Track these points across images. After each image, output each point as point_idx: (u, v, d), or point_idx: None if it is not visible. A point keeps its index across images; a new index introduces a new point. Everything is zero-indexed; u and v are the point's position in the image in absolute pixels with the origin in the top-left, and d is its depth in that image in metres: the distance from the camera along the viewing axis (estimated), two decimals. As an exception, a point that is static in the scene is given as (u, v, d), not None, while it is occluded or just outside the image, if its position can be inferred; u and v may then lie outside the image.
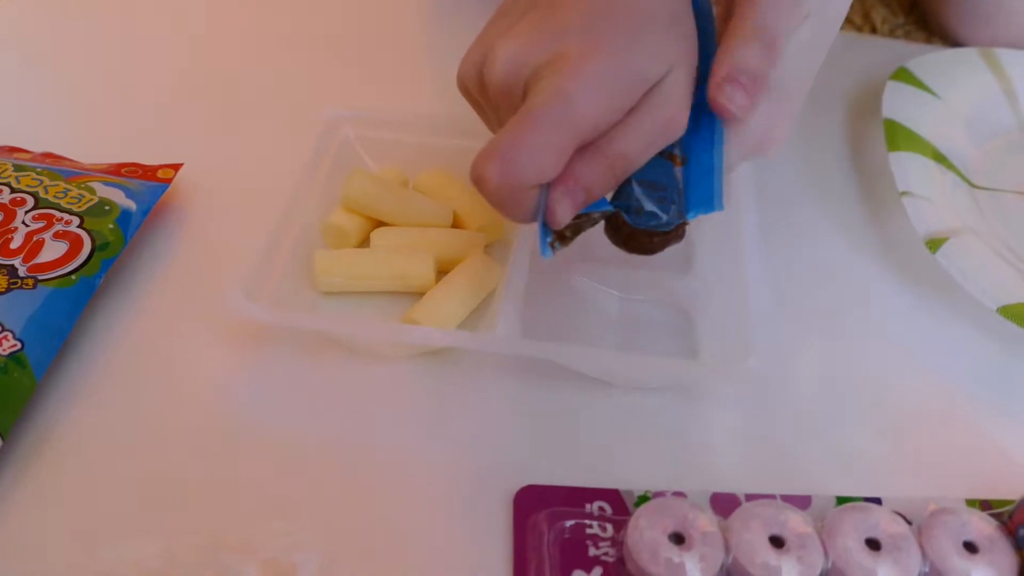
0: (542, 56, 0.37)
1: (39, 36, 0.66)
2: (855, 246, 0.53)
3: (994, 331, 0.48)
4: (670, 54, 0.37)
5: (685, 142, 0.40)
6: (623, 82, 0.37)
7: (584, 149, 0.37)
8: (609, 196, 0.40)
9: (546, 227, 0.39)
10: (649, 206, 0.40)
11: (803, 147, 0.59)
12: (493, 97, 0.39)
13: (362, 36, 0.66)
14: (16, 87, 0.62)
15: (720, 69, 0.38)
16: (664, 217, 0.40)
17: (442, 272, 0.48)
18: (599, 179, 0.38)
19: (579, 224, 0.40)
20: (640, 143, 0.38)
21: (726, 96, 0.38)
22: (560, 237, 0.40)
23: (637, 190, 0.40)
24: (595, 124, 0.37)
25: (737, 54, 0.38)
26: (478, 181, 0.37)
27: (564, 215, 0.38)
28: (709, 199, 0.40)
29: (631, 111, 0.37)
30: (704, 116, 0.40)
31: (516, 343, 0.42)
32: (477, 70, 0.40)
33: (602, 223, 0.42)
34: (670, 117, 0.38)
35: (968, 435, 0.44)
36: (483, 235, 0.49)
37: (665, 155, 0.40)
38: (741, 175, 0.50)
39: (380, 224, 0.50)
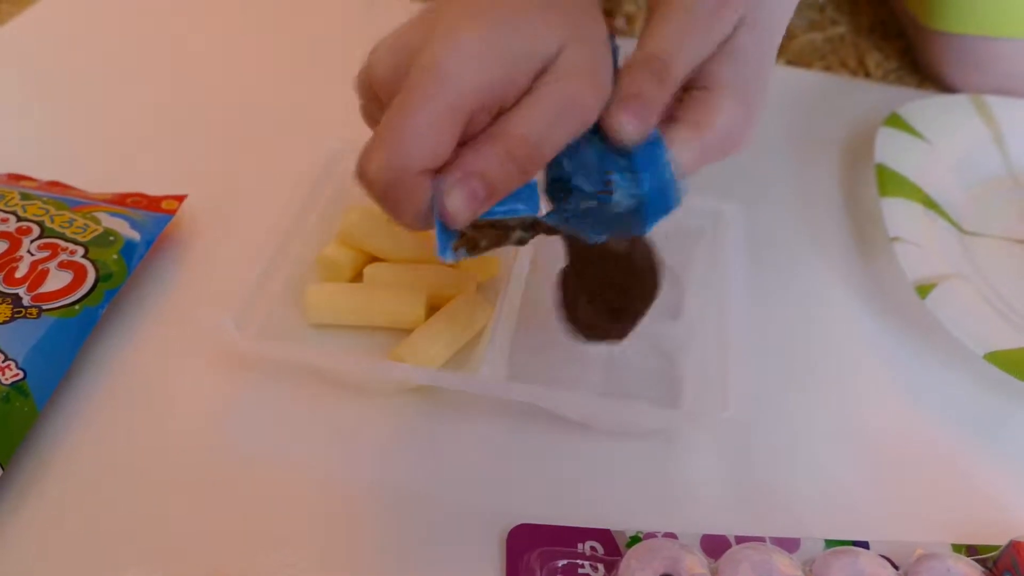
0: (419, 41, 0.35)
1: (46, 64, 0.67)
2: (845, 289, 0.54)
3: (981, 377, 0.49)
4: (559, 30, 0.35)
5: (631, 174, 0.37)
6: (502, 55, 0.34)
7: (476, 136, 0.35)
8: (543, 211, 0.37)
9: (445, 227, 0.35)
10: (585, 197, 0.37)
11: (796, 190, 0.60)
12: (383, 98, 0.37)
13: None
14: (23, 115, 0.62)
15: (611, 100, 0.36)
16: (612, 197, 0.37)
17: (434, 307, 0.49)
18: (496, 166, 0.34)
19: (497, 233, 0.38)
20: (540, 124, 0.35)
21: (616, 124, 0.36)
22: (471, 244, 0.37)
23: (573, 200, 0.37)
24: (478, 97, 0.34)
25: (627, 83, 0.37)
26: (361, 176, 0.35)
27: (456, 208, 0.34)
28: (667, 200, 0.37)
29: (526, 93, 0.35)
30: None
31: (497, 385, 0.43)
32: (364, 74, 0.38)
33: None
34: (571, 95, 0.35)
35: (955, 480, 0.45)
36: (475, 274, 0.50)
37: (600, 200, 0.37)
38: (733, 216, 0.51)
39: (374, 259, 0.51)
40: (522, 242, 0.39)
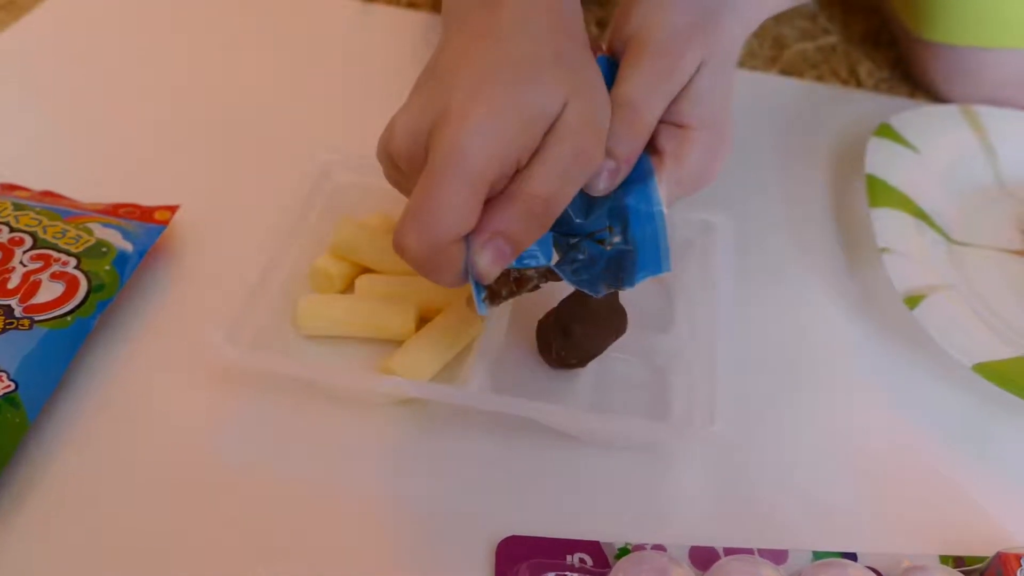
0: (433, 117, 0.37)
1: (39, 74, 0.67)
2: (835, 300, 0.54)
3: (970, 388, 0.49)
4: (561, 88, 0.38)
5: (619, 206, 0.42)
6: (513, 120, 0.36)
7: (497, 197, 0.37)
8: (554, 260, 0.41)
9: (477, 283, 0.38)
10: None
11: (786, 200, 0.60)
12: (405, 170, 0.40)
13: (358, 83, 0.67)
14: (15, 124, 0.63)
15: None
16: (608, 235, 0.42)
17: (425, 319, 0.49)
18: (516, 224, 0.37)
19: (518, 282, 0.41)
20: (553, 180, 0.37)
21: (591, 183, 0.41)
22: (493, 295, 0.40)
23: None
24: (496, 168, 0.36)
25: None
26: (401, 252, 0.37)
27: (486, 267, 0.37)
28: (656, 261, 0.41)
29: (537, 151, 0.38)
30: (635, 171, 0.42)
31: (487, 398, 0.43)
32: (384, 149, 0.40)
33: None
34: (579, 149, 0.38)
35: (943, 492, 0.45)
36: (466, 286, 0.50)
37: (594, 240, 0.42)
38: (723, 227, 0.51)
39: (366, 270, 0.51)
40: (536, 288, 0.42)
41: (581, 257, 0.42)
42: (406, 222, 0.37)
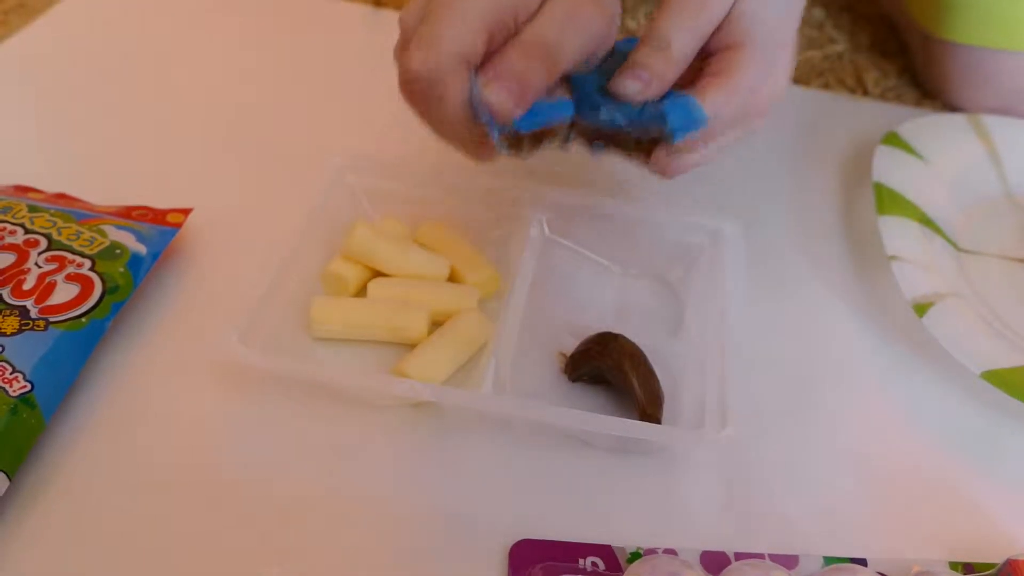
0: None
1: (53, 76, 0.67)
2: (844, 307, 0.54)
3: (978, 395, 0.49)
4: None
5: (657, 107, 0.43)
6: None
7: (501, 46, 0.41)
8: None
9: (492, 121, 0.40)
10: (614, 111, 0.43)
11: (794, 207, 0.61)
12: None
13: (370, 86, 0.67)
14: (29, 126, 0.63)
15: (624, 64, 0.43)
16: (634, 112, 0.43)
17: (436, 323, 0.49)
18: (519, 63, 0.40)
19: (538, 134, 0.43)
20: (551, 29, 0.41)
21: (620, 85, 0.42)
22: (512, 143, 0.43)
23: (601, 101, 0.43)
24: (493, 11, 0.40)
25: (633, 55, 0.43)
26: (405, 74, 0.40)
27: (500, 100, 0.40)
28: (691, 121, 0.42)
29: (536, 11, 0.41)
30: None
31: (499, 402, 0.44)
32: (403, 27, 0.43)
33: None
34: (574, 5, 0.41)
35: (952, 498, 0.45)
36: (477, 290, 0.51)
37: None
38: (732, 233, 0.52)
39: (378, 274, 0.51)
40: (564, 144, 0.45)
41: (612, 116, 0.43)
42: (411, 45, 0.40)
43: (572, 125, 0.44)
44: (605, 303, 0.52)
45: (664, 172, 0.46)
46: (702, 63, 0.44)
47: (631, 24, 0.78)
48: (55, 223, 0.50)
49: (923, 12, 0.70)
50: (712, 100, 0.43)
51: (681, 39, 0.43)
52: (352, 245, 0.50)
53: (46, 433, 0.44)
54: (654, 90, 0.43)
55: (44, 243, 0.49)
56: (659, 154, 0.45)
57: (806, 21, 0.79)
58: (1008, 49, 0.66)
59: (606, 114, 0.43)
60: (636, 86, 0.42)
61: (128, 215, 0.53)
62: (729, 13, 0.43)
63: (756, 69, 0.44)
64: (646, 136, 0.44)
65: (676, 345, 0.50)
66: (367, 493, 0.43)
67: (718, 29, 0.44)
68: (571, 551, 0.41)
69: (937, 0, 0.67)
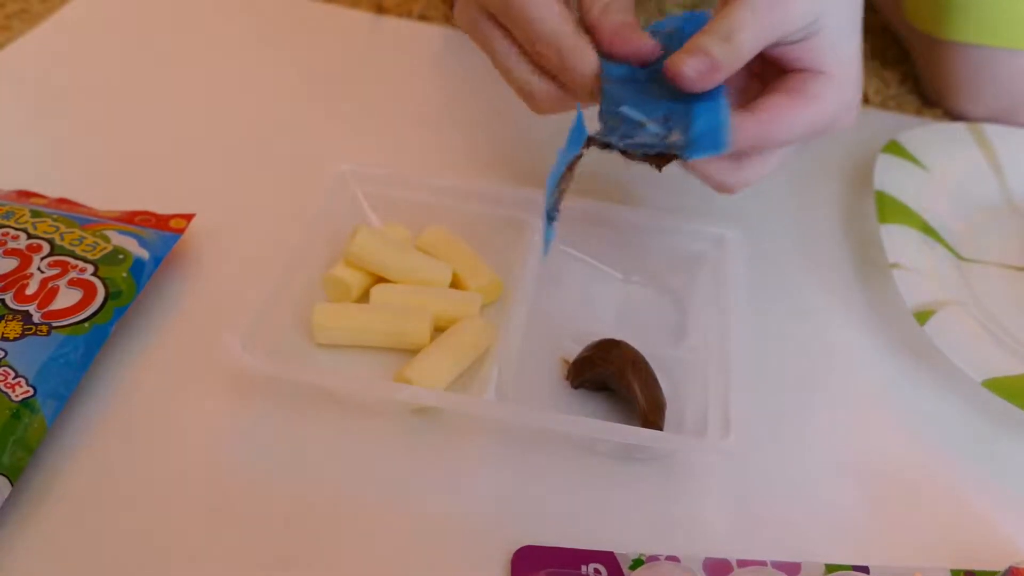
0: None
1: (55, 81, 0.67)
2: (846, 315, 0.54)
3: (980, 403, 0.49)
4: None
5: (688, 115, 0.42)
6: None
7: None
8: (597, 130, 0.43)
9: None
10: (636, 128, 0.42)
11: (796, 215, 0.61)
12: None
13: (371, 94, 0.68)
14: (32, 131, 0.63)
15: (684, 46, 0.43)
16: (656, 131, 0.42)
17: (438, 329, 0.49)
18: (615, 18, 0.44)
19: (562, 189, 0.44)
20: None
21: (676, 66, 0.42)
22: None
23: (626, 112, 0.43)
24: None
25: (696, 40, 0.43)
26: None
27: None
28: (716, 135, 0.41)
29: None
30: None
31: (502, 408, 0.44)
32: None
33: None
34: None
35: (954, 505, 0.45)
36: (480, 296, 0.51)
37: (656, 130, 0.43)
38: (735, 241, 0.52)
39: (381, 280, 0.51)
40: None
41: (632, 134, 0.42)
42: (542, 58, 0.44)
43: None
44: (607, 309, 0.52)
45: (725, 186, 0.47)
46: (767, 76, 0.46)
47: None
48: (58, 228, 0.50)
49: (924, 17, 0.70)
50: (797, 117, 0.44)
51: (746, 36, 0.42)
52: (354, 251, 0.50)
53: (48, 438, 0.44)
54: (711, 79, 0.42)
55: (47, 248, 0.49)
56: (720, 164, 0.45)
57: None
58: (1011, 47, 0.66)
59: (630, 112, 0.42)
60: (698, 67, 0.42)
61: (131, 220, 0.53)
62: (809, 38, 0.44)
63: (839, 98, 0.45)
64: (659, 146, 0.43)
65: (678, 352, 0.50)
66: (369, 499, 0.43)
67: (799, 48, 0.44)
68: (573, 558, 0.41)
69: (938, 1, 0.67)
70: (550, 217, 0.43)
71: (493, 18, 0.46)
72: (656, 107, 0.43)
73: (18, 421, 0.42)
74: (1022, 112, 0.67)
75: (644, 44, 0.44)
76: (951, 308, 0.51)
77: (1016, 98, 0.67)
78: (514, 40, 0.46)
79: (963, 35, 0.67)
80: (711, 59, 0.42)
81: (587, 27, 0.44)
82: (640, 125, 0.42)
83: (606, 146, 0.42)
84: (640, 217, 0.53)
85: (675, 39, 0.44)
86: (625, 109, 0.42)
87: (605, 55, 0.44)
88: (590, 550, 0.41)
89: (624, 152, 0.43)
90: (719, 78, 0.42)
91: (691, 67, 0.42)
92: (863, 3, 0.47)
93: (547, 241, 0.44)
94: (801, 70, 0.45)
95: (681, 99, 0.43)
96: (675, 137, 0.42)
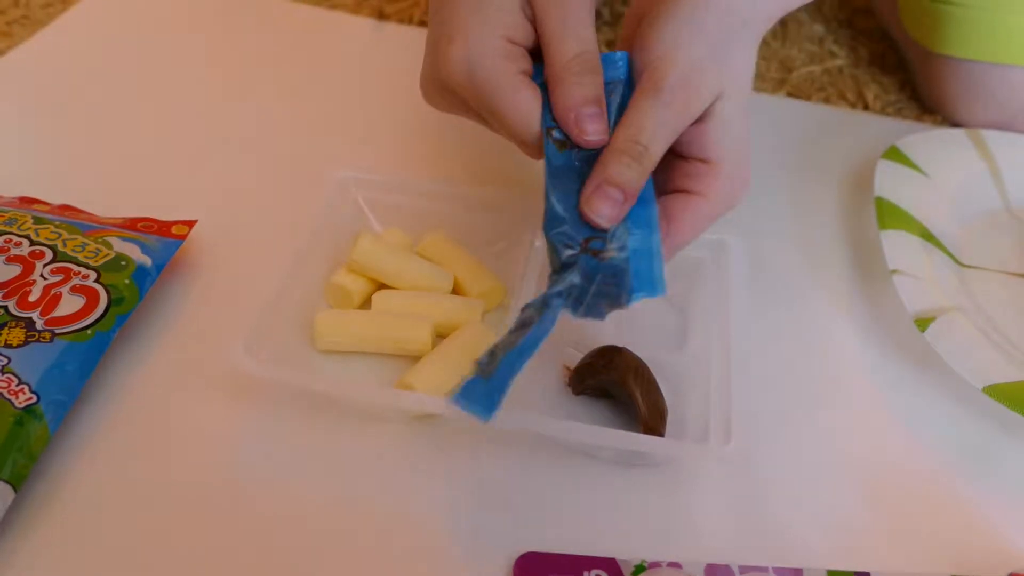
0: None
1: (57, 88, 0.68)
2: (846, 321, 0.55)
3: (980, 409, 0.49)
4: None
5: (623, 227, 0.41)
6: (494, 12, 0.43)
7: (549, 83, 0.43)
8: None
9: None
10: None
11: (796, 221, 0.61)
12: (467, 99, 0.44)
13: (373, 100, 0.68)
14: (34, 138, 0.63)
15: (590, 182, 0.41)
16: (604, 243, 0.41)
17: (440, 336, 0.49)
18: (581, 89, 0.42)
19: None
20: (568, 39, 0.43)
21: (593, 210, 0.41)
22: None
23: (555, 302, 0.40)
24: (502, 66, 0.43)
25: (608, 167, 0.41)
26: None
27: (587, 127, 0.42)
28: (652, 282, 0.40)
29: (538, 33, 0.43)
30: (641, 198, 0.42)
31: (503, 415, 0.43)
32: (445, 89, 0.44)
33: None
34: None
35: (954, 511, 0.46)
36: (482, 302, 0.51)
37: (589, 252, 0.41)
38: (735, 247, 0.52)
39: (382, 286, 0.52)
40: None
41: (577, 281, 0.40)
42: (521, 148, 0.43)
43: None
44: (609, 316, 0.52)
45: None
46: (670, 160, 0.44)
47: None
48: (60, 235, 0.50)
49: (921, 29, 0.70)
50: (695, 221, 0.43)
51: (659, 141, 0.41)
52: (356, 257, 0.50)
53: (52, 444, 0.44)
54: (627, 208, 0.41)
55: (50, 255, 0.49)
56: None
57: (806, 36, 0.80)
58: (1007, 63, 0.66)
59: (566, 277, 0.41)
60: (609, 210, 0.41)
61: (133, 227, 0.53)
62: (704, 120, 0.43)
63: (733, 181, 0.44)
64: (603, 294, 0.40)
65: (680, 358, 0.50)
66: (372, 505, 0.43)
67: (692, 130, 0.43)
68: (576, 564, 0.41)
69: (935, 16, 0.68)
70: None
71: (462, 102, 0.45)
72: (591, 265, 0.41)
73: (21, 428, 0.42)
74: (1017, 124, 0.67)
75: (597, 130, 0.42)
76: (951, 314, 0.51)
77: (1009, 111, 0.68)
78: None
79: (957, 50, 0.67)
80: (623, 191, 0.41)
81: (551, 75, 0.42)
82: (586, 254, 0.41)
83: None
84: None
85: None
86: (559, 231, 0.41)
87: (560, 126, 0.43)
88: (592, 556, 0.41)
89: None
90: (633, 202, 0.41)
91: (608, 210, 0.41)
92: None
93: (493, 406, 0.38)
94: (690, 158, 0.44)
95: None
96: (610, 252, 0.41)
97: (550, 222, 0.42)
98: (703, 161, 0.44)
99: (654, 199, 0.43)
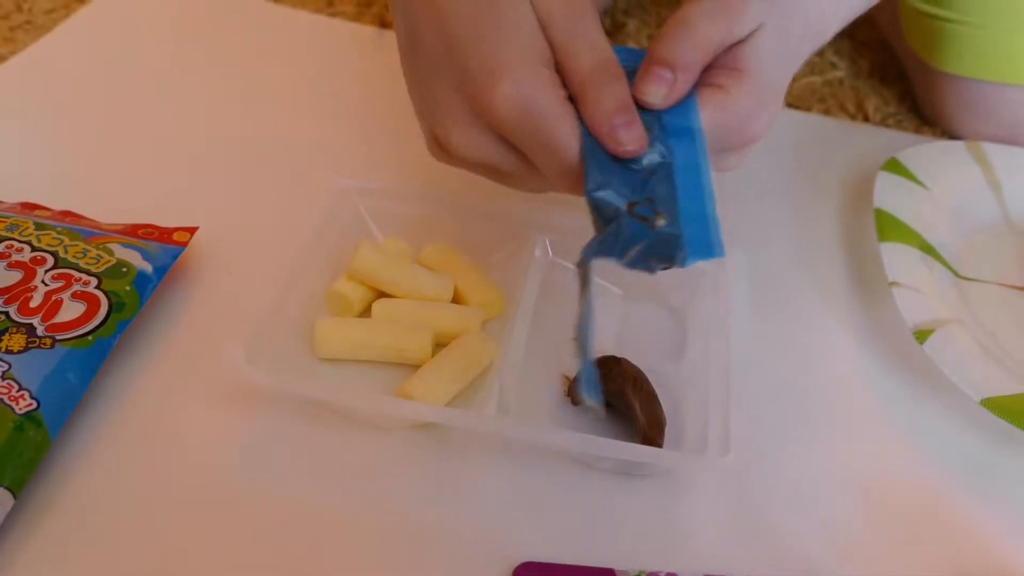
0: (469, 102, 0.41)
1: (59, 93, 0.68)
2: (845, 333, 0.55)
3: (979, 422, 0.49)
4: None
5: (665, 187, 0.40)
6: (517, 49, 0.40)
7: (577, 101, 0.41)
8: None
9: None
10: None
11: (796, 232, 0.61)
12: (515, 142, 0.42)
13: (375, 108, 0.68)
14: (36, 143, 0.63)
15: (642, 66, 0.41)
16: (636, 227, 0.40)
17: (440, 345, 0.49)
18: (606, 99, 0.40)
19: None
20: (584, 51, 0.41)
21: (645, 92, 0.41)
22: None
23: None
24: (548, 83, 0.40)
25: (655, 46, 0.41)
26: (495, 120, 0.41)
27: (624, 137, 0.40)
28: (708, 246, 0.39)
29: (553, 45, 0.42)
30: (683, 145, 0.41)
31: (503, 425, 0.44)
32: (453, 156, 0.44)
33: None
34: (571, 9, 0.41)
35: (953, 523, 0.46)
36: (481, 311, 0.51)
37: (636, 217, 0.40)
38: (735, 258, 0.52)
39: (383, 294, 0.52)
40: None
41: (625, 233, 0.39)
42: (572, 187, 0.41)
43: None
44: (608, 326, 0.53)
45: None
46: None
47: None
48: (62, 241, 0.50)
49: (922, 44, 0.70)
50: (713, 114, 0.42)
51: (709, 31, 0.41)
52: (357, 265, 0.51)
53: (52, 451, 0.44)
54: (680, 89, 0.41)
55: (51, 261, 0.49)
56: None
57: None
58: (1006, 82, 0.67)
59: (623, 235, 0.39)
60: (663, 91, 0.41)
61: (134, 233, 0.53)
62: (744, 39, 0.43)
63: (758, 100, 0.43)
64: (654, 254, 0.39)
65: (679, 369, 0.50)
66: (370, 513, 0.43)
67: (729, 50, 0.43)
68: (574, 574, 0.41)
69: (935, 33, 0.68)
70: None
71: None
72: (633, 183, 0.41)
73: (21, 434, 0.42)
74: (1016, 138, 0.67)
75: (636, 140, 0.41)
76: (950, 327, 0.52)
77: (1007, 128, 0.68)
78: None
79: (956, 67, 0.68)
80: (673, 71, 0.41)
81: (574, 89, 0.41)
82: (630, 216, 0.40)
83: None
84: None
85: None
86: (602, 195, 0.40)
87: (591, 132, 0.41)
88: (590, 566, 0.41)
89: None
90: (689, 84, 0.41)
91: (661, 88, 0.41)
92: (842, 28, 0.47)
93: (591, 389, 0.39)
94: (727, 68, 0.43)
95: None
96: (660, 221, 0.40)
97: (591, 183, 0.40)
98: (732, 68, 0.43)
99: (708, 164, 0.41)
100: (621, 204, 0.40)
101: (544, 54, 0.41)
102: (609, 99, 0.40)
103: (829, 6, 0.47)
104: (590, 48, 0.41)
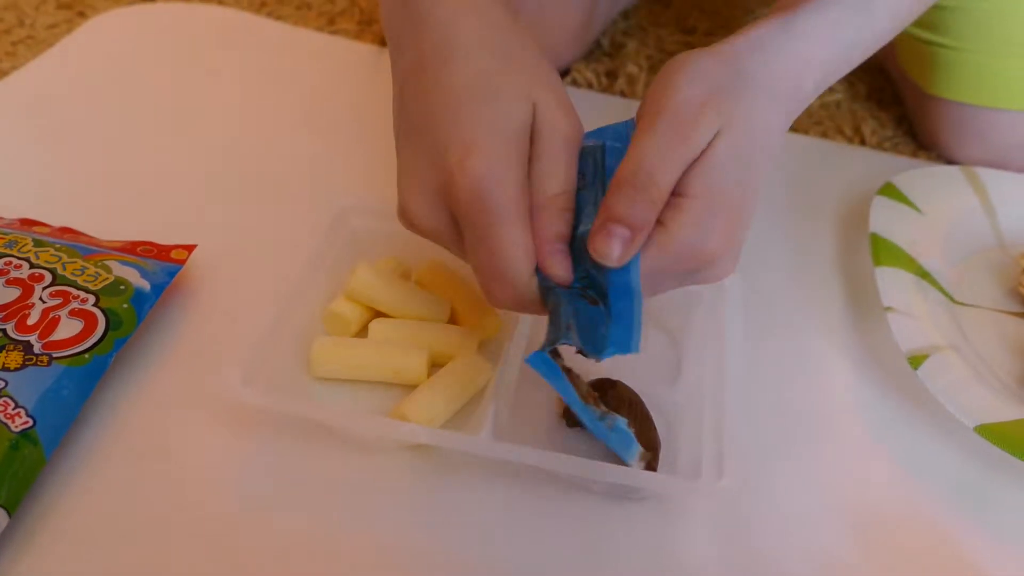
0: (435, 178, 0.41)
1: (59, 111, 0.68)
2: (840, 358, 0.55)
3: (972, 447, 0.50)
4: (524, 89, 0.41)
5: (601, 278, 0.40)
6: (511, 155, 0.40)
7: (533, 215, 0.41)
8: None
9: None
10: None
11: (792, 256, 0.61)
12: (437, 240, 0.43)
13: (374, 127, 0.68)
14: (36, 160, 0.63)
15: (597, 219, 0.40)
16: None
17: (436, 365, 0.50)
18: (556, 227, 0.41)
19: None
20: (559, 176, 0.41)
21: (599, 252, 0.39)
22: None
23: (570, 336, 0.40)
24: (521, 196, 0.40)
25: (612, 205, 0.39)
26: (498, 306, 0.42)
27: (554, 269, 0.40)
28: (627, 340, 0.39)
29: (533, 155, 0.41)
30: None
31: (497, 447, 0.44)
32: (410, 224, 0.44)
33: None
34: (565, 136, 0.42)
35: (945, 549, 0.46)
36: (478, 332, 0.51)
37: (588, 298, 0.41)
38: (731, 281, 0.52)
39: (380, 314, 0.52)
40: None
41: (570, 308, 0.40)
42: (490, 285, 0.41)
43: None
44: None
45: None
46: None
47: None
48: (60, 258, 0.50)
49: (917, 69, 0.71)
50: (649, 252, 0.40)
51: (664, 172, 0.39)
52: (354, 286, 0.51)
53: (47, 469, 0.44)
54: (637, 246, 0.39)
55: (49, 278, 0.49)
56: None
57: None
58: (998, 107, 0.67)
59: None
60: (618, 251, 0.39)
61: (133, 251, 0.53)
62: (697, 157, 0.41)
63: (700, 223, 0.40)
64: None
65: (674, 393, 0.50)
66: (364, 533, 0.43)
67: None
68: (567, 598, 0.41)
69: (930, 58, 0.69)
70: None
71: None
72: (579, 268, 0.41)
73: (17, 452, 0.42)
74: (1009, 162, 0.68)
75: (563, 272, 0.40)
76: (944, 353, 0.52)
77: (1000, 152, 0.68)
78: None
79: (949, 92, 0.68)
80: (631, 230, 0.39)
81: (535, 202, 0.41)
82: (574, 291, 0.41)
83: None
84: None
85: (593, 157, 0.43)
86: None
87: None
88: (584, 591, 0.41)
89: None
90: (643, 239, 0.39)
91: (615, 248, 0.39)
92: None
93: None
94: (674, 195, 0.40)
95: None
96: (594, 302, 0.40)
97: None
98: (676, 194, 0.40)
99: (638, 261, 0.40)
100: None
101: (524, 155, 0.41)
102: (558, 226, 0.41)
103: (788, 87, 0.44)
104: (563, 179, 0.41)
